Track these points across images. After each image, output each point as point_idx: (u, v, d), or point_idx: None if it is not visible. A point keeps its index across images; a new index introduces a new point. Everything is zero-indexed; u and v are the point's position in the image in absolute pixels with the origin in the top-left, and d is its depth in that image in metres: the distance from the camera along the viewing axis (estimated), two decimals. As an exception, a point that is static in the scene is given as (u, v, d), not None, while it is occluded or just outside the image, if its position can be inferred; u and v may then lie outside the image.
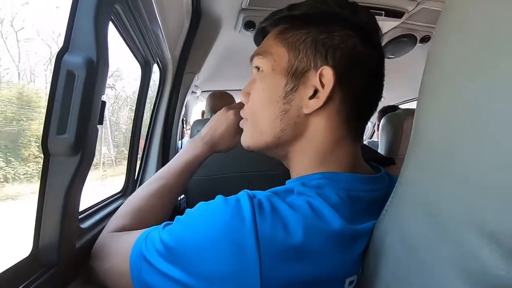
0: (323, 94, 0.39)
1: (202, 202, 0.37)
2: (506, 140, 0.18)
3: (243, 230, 0.32)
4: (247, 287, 0.31)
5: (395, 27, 1.08)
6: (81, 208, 0.45)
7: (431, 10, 1.00)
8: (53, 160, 0.36)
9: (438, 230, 0.24)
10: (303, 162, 0.43)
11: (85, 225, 0.49)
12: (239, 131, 0.58)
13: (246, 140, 0.47)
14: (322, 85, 0.39)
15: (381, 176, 0.43)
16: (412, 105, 1.82)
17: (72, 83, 0.35)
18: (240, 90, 1.73)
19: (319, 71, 0.39)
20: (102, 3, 0.37)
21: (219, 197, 0.37)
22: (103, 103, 0.42)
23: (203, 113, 1.50)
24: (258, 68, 0.45)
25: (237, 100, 1.52)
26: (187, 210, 0.38)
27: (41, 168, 0.36)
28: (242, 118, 0.52)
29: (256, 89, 0.45)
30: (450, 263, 0.23)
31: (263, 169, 1.07)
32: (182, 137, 1.27)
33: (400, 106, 1.82)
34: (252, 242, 0.31)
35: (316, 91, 0.40)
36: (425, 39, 1.16)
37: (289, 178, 0.45)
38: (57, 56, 0.35)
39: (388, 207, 0.32)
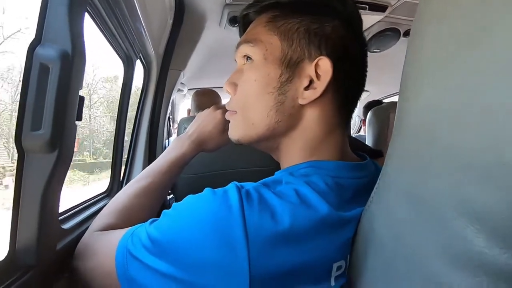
0: (320, 85, 0.39)
1: (190, 195, 0.37)
2: (485, 123, 0.19)
3: (231, 219, 0.32)
4: (236, 276, 0.30)
5: (379, 21, 1.09)
6: (63, 208, 0.43)
7: (413, 4, 1.02)
8: (29, 157, 0.34)
9: (423, 214, 0.24)
10: (293, 153, 0.43)
11: (67, 226, 0.47)
12: (227, 130, 0.58)
13: (236, 133, 0.45)
14: (318, 76, 0.39)
15: (366, 163, 0.44)
16: (396, 99, 1.84)
17: (46, 76, 0.34)
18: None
19: (315, 62, 0.39)
20: (76, -7, 0.36)
21: (207, 189, 0.36)
22: (81, 98, 0.40)
23: (189, 111, 1.48)
24: (246, 57, 0.43)
25: (223, 97, 1.51)
26: (174, 203, 0.37)
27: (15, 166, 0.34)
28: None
29: (246, 80, 0.43)
30: (435, 246, 0.23)
31: (251, 165, 1.06)
32: (169, 136, 1.25)
33: (385, 100, 1.85)
34: (240, 232, 0.31)
35: (311, 82, 0.40)
36: (409, 33, 1.18)
37: (273, 173, 0.45)
38: (28, 48, 0.33)
39: (374, 194, 0.33)
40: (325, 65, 0.38)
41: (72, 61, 0.35)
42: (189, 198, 0.36)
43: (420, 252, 0.24)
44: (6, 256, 0.34)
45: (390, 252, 0.28)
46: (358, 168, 0.42)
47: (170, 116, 1.32)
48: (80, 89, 0.39)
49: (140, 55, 0.83)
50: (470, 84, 0.20)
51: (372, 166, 0.45)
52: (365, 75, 0.45)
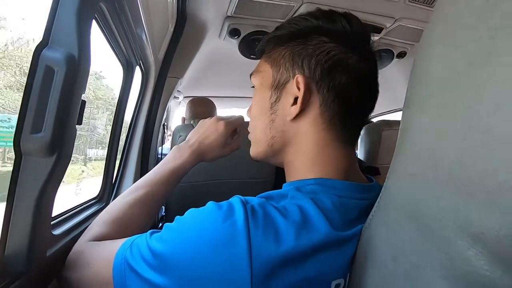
0: (299, 100, 0.41)
1: (193, 208, 0.37)
2: (491, 146, 0.19)
3: (236, 237, 0.32)
4: None
5: (374, 42, 1.13)
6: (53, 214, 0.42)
7: (407, 28, 1.06)
8: (26, 160, 0.33)
9: (424, 233, 0.25)
10: (296, 167, 0.45)
11: (57, 231, 0.46)
12: (228, 143, 0.61)
13: (252, 151, 0.51)
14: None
15: (373, 185, 0.45)
16: (389, 117, 1.89)
17: (50, 79, 0.33)
18: (223, 97, 1.73)
19: (294, 80, 0.42)
20: (87, -1, 0.36)
21: (210, 203, 0.36)
22: (83, 102, 0.40)
23: (183, 119, 1.47)
24: (253, 86, 0.50)
25: (218, 107, 1.52)
26: (177, 217, 0.37)
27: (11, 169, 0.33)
28: (232, 130, 0.60)
29: (252, 104, 0.50)
30: (436, 266, 0.23)
31: (245, 176, 1.06)
32: (163, 143, 1.24)
33: (378, 118, 1.89)
34: (244, 250, 0.31)
35: (296, 99, 0.42)
36: (402, 55, 1.23)
37: (270, 186, 0.47)
38: (35, 50, 0.33)
39: (374, 212, 0.33)
40: (301, 81, 0.41)
41: (78, 65, 0.35)
42: (193, 212, 0.36)
43: (421, 271, 0.25)
44: (-6, 262, 0.33)
45: (390, 270, 0.28)
46: (364, 190, 0.42)
47: (165, 123, 1.31)
48: (83, 93, 0.39)
49: (140, 61, 0.83)
50: (476, 107, 0.20)
51: (378, 189, 0.45)
52: (371, 84, 0.45)
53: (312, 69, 0.41)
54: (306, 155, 0.43)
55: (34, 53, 0.33)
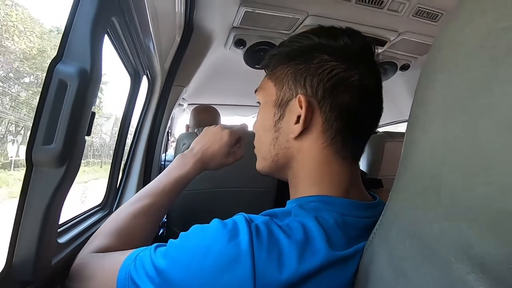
0: (302, 119, 0.42)
1: (197, 225, 0.37)
2: (493, 172, 0.20)
3: (241, 257, 0.32)
4: None
5: (377, 55, 1.14)
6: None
7: (411, 41, 1.07)
8: (36, 171, 0.34)
9: (425, 254, 0.25)
10: (299, 183, 0.45)
11: (62, 240, 0.46)
12: (231, 152, 0.61)
13: (258, 166, 0.52)
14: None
15: (376, 203, 0.44)
16: (392, 128, 1.90)
17: (63, 92, 0.34)
18: (226, 104, 1.74)
19: (297, 99, 0.42)
20: (100, 15, 0.37)
21: (215, 221, 0.36)
22: (93, 114, 0.41)
23: (187, 127, 1.48)
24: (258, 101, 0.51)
25: (222, 115, 1.53)
26: (182, 233, 0.37)
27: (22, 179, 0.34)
28: (236, 139, 0.60)
29: (256, 120, 0.51)
30: (437, 287, 0.23)
31: (246, 185, 1.06)
32: (166, 150, 1.25)
33: (381, 130, 1.90)
34: (248, 271, 0.31)
35: (299, 117, 0.42)
36: (405, 67, 1.24)
37: (271, 195, 0.46)
38: (50, 64, 0.34)
39: (377, 229, 0.33)
40: (303, 100, 0.41)
41: (90, 79, 0.36)
42: (197, 229, 0.37)
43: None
44: (2, 271, 0.33)
45: (391, 287, 0.29)
46: (366, 208, 0.42)
47: (169, 131, 1.32)
48: (93, 106, 0.40)
49: (147, 70, 0.85)
50: (479, 133, 0.21)
51: (381, 206, 0.44)
52: (375, 100, 0.44)
53: (314, 88, 0.42)
54: (308, 172, 0.44)
55: (48, 67, 0.34)
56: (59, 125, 0.34)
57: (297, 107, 0.42)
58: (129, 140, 0.95)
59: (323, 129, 0.42)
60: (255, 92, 0.52)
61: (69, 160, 0.35)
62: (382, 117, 0.47)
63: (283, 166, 0.46)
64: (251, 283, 0.31)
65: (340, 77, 0.41)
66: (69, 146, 0.35)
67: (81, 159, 0.39)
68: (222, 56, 1.17)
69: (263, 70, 0.55)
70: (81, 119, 0.37)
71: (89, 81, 0.36)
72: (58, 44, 0.35)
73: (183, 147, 0.97)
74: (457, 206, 0.22)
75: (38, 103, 0.34)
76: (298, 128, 0.42)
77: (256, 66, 1.19)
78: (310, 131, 0.43)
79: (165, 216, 1.17)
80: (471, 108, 0.22)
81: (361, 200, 0.43)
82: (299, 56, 0.44)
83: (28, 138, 0.34)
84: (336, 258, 0.34)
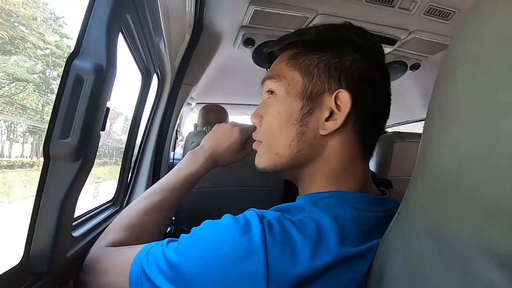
0: (341, 116, 0.40)
1: (209, 220, 0.37)
2: None
3: (253, 253, 0.32)
4: None
5: (388, 54, 1.13)
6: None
7: (421, 40, 1.06)
8: (53, 164, 0.35)
9: (444, 253, 0.25)
10: (315, 181, 0.44)
11: (76, 233, 0.47)
12: (242, 149, 0.60)
13: (262, 162, 0.47)
14: (338, 107, 0.41)
15: (387, 198, 0.44)
16: (401, 128, 1.88)
17: (80, 87, 0.35)
18: (234, 104, 1.74)
19: (334, 94, 0.40)
20: (115, 12, 0.38)
21: (227, 216, 0.36)
22: (107, 109, 0.41)
23: (195, 126, 1.49)
24: (270, 91, 0.46)
25: (229, 114, 1.53)
26: (193, 228, 0.38)
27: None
28: (247, 137, 0.55)
29: (270, 113, 0.45)
30: (456, 286, 0.23)
31: (252, 184, 1.06)
32: (174, 148, 1.26)
33: (390, 130, 1.88)
34: (261, 266, 0.31)
35: (331, 113, 0.41)
36: (415, 67, 1.22)
37: (278, 194, 0.46)
38: (67, 60, 0.35)
39: (392, 227, 0.33)
40: (344, 97, 0.40)
41: (105, 74, 0.37)
42: (209, 224, 0.37)
43: (440, 289, 0.25)
44: (19, 262, 0.34)
45: (407, 286, 0.28)
46: (379, 202, 0.42)
47: (178, 129, 1.33)
48: (108, 101, 0.40)
49: (158, 69, 0.86)
50: (501, 128, 0.20)
51: (392, 201, 0.44)
52: (389, 105, 0.46)
53: (350, 85, 0.41)
54: (330, 169, 0.43)
55: (66, 62, 0.34)
56: (76, 120, 0.35)
57: (331, 102, 0.41)
58: (138, 138, 0.97)
59: (354, 127, 0.42)
60: (263, 81, 0.47)
61: (85, 154, 0.36)
62: (391, 117, 0.48)
63: (301, 164, 0.44)
64: (264, 277, 0.31)
65: (370, 78, 0.42)
66: (85, 140, 0.36)
67: (96, 153, 0.40)
68: (231, 55, 1.17)
69: (267, 64, 0.53)
70: (97, 114, 0.37)
71: (105, 76, 0.37)
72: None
73: (192, 145, 0.98)
74: (477, 204, 0.22)
75: (56, 97, 0.34)
76: (333, 125, 0.41)
77: (265, 65, 1.19)
78: (341, 129, 0.41)
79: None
80: (494, 103, 0.21)
81: (374, 194, 0.43)
82: (329, 48, 0.42)
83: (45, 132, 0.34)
84: (348, 255, 0.34)
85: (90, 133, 0.36)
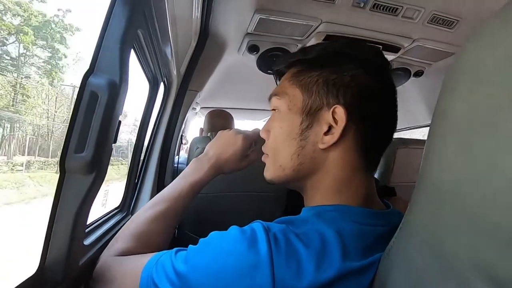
0: (337, 131, 0.41)
1: (216, 232, 0.38)
2: None
3: (260, 265, 0.33)
4: None
5: (391, 61, 1.14)
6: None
7: (425, 48, 1.07)
8: (69, 177, 0.36)
9: (444, 270, 0.25)
10: (318, 193, 0.45)
11: (87, 242, 0.49)
12: (246, 156, 0.61)
13: (269, 174, 0.50)
14: (336, 122, 0.42)
15: (391, 212, 0.45)
16: (403, 134, 1.88)
17: (94, 103, 0.36)
18: (238, 108, 1.75)
19: (331, 109, 0.42)
20: (128, 30, 0.39)
21: (233, 228, 0.38)
22: (119, 122, 0.43)
23: (201, 130, 1.51)
24: (274, 108, 0.49)
25: (235, 117, 1.55)
26: (201, 239, 0.39)
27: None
28: (251, 144, 0.58)
29: (275, 127, 0.48)
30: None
31: (255, 189, 1.07)
32: (178, 152, 1.27)
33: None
34: (268, 279, 0.32)
35: (330, 127, 0.42)
36: (419, 74, 1.23)
37: (282, 200, 0.46)
38: (83, 77, 0.36)
39: (394, 241, 0.34)
40: (340, 112, 0.41)
41: (119, 90, 0.38)
42: (216, 235, 0.38)
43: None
44: (35, 272, 0.36)
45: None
46: (382, 216, 0.43)
47: (183, 134, 1.35)
48: (120, 115, 0.41)
49: (165, 76, 0.87)
50: (499, 153, 0.21)
51: (395, 215, 0.45)
52: (395, 115, 0.46)
53: (348, 100, 0.42)
54: (331, 182, 0.44)
55: (82, 80, 0.36)
56: (90, 134, 0.36)
57: (329, 117, 0.42)
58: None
59: (354, 141, 0.43)
60: (270, 98, 0.50)
61: (98, 167, 0.37)
62: None
63: (303, 176, 0.46)
64: None
65: (372, 91, 0.43)
66: (98, 154, 0.37)
67: (108, 166, 0.41)
68: (235, 61, 1.19)
69: (274, 76, 0.54)
70: (110, 128, 0.39)
71: (118, 91, 0.38)
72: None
73: (197, 151, 0.99)
74: (475, 224, 0.22)
75: (72, 114, 0.36)
76: (330, 139, 0.42)
77: (269, 71, 1.20)
78: (340, 143, 0.42)
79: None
80: (491, 127, 0.22)
81: (377, 208, 0.44)
82: (330, 65, 0.44)
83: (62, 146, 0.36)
84: (352, 269, 0.35)
85: (103, 147, 0.38)
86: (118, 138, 0.43)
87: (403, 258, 0.31)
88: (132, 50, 0.61)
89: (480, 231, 0.22)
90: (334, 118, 0.42)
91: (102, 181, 0.40)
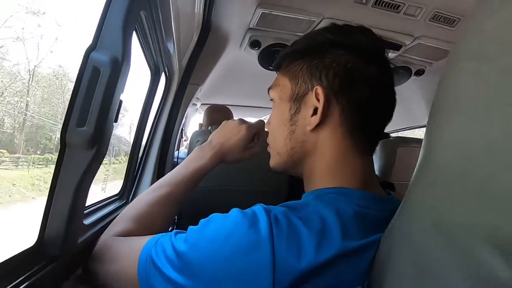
0: (320, 110, 0.43)
1: (217, 213, 0.39)
2: None
3: (261, 244, 0.33)
4: None
5: (393, 59, 1.15)
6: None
7: (426, 46, 1.07)
8: (69, 152, 0.36)
9: (448, 243, 0.25)
10: (315, 176, 0.46)
11: (87, 221, 0.49)
12: (249, 148, 0.63)
13: (272, 162, 0.52)
14: (319, 102, 0.43)
15: (391, 198, 0.45)
16: (405, 133, 1.88)
17: (96, 78, 0.36)
18: (239, 105, 1.76)
19: (313, 91, 0.43)
20: (131, 7, 0.39)
21: (235, 210, 0.38)
22: (120, 101, 0.43)
23: (200, 125, 1.51)
24: (271, 99, 0.52)
25: (235, 115, 1.55)
26: (201, 220, 0.39)
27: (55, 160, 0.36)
28: (254, 134, 0.61)
29: (271, 117, 0.52)
30: (461, 275, 0.24)
31: (259, 184, 1.07)
32: (178, 147, 1.28)
33: (394, 135, 1.89)
34: (268, 258, 0.32)
35: (316, 109, 0.43)
36: (420, 72, 1.23)
37: (283, 195, 0.47)
38: (85, 52, 0.36)
39: (394, 221, 0.34)
40: (321, 92, 0.42)
41: (121, 67, 0.38)
42: (218, 216, 0.38)
43: (443, 278, 0.25)
44: (34, 245, 0.35)
45: (411, 279, 0.29)
46: (382, 201, 0.43)
47: (183, 128, 1.35)
48: (122, 93, 0.42)
49: (166, 67, 0.87)
50: (509, 121, 0.21)
51: (396, 202, 0.43)
52: (390, 96, 0.46)
53: (330, 81, 0.43)
54: (326, 164, 0.44)
55: (84, 55, 0.36)
56: (91, 109, 0.36)
57: (313, 100, 0.43)
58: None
59: (341, 121, 0.43)
60: (268, 90, 0.53)
61: (99, 143, 0.37)
62: (394, 123, 0.48)
63: (299, 160, 0.47)
64: (270, 269, 0.32)
65: (356, 70, 0.43)
66: (99, 129, 0.37)
67: (109, 143, 0.41)
68: (237, 57, 1.19)
69: (276, 72, 0.55)
70: (111, 105, 0.39)
71: (120, 69, 0.38)
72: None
73: (197, 144, 0.99)
74: (485, 193, 0.22)
75: (73, 88, 0.36)
76: (315, 119, 0.43)
77: (270, 67, 1.21)
78: (327, 123, 0.43)
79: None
80: (502, 96, 0.22)
81: (378, 193, 0.43)
82: (314, 52, 0.45)
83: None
84: (351, 249, 0.35)
85: (104, 123, 0.38)
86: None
87: (404, 236, 0.31)
88: (135, 35, 0.62)
89: (491, 198, 0.22)
90: (318, 99, 0.43)
91: (103, 157, 0.40)
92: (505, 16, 0.23)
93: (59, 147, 0.36)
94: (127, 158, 0.84)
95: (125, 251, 0.42)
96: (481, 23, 0.25)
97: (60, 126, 0.35)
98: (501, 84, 0.22)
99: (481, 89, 0.24)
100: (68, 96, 0.36)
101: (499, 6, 0.23)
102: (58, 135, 0.34)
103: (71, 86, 0.36)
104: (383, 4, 0.89)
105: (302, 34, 1.05)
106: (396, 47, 1.07)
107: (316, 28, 1.01)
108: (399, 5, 0.89)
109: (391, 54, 1.11)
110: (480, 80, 0.24)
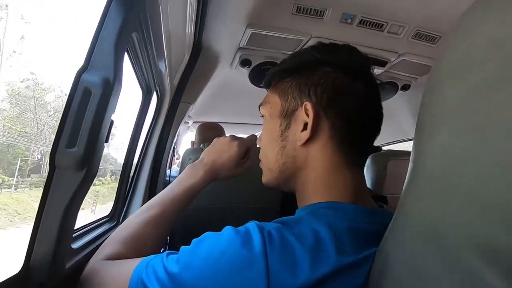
0: (309, 125, 0.43)
1: (210, 232, 0.38)
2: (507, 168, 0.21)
3: (254, 263, 0.32)
4: None
5: (379, 75, 1.18)
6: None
7: (411, 62, 1.11)
8: (58, 173, 0.36)
9: (440, 251, 0.25)
10: (307, 191, 0.46)
11: (76, 245, 0.47)
12: (240, 163, 0.62)
13: (264, 178, 0.53)
14: (309, 118, 0.44)
15: (384, 211, 0.45)
16: (393, 147, 1.91)
17: (87, 99, 0.36)
18: (231, 123, 1.77)
19: (303, 107, 0.44)
20: (123, 29, 0.40)
21: (228, 228, 0.37)
22: (111, 121, 0.42)
23: (192, 143, 1.51)
24: (262, 116, 0.53)
25: (227, 132, 1.55)
26: (194, 240, 0.38)
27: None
28: (246, 150, 0.61)
29: (262, 133, 0.53)
30: (454, 283, 0.24)
31: (252, 202, 1.06)
32: (170, 166, 1.26)
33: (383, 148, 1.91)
34: (262, 275, 0.32)
35: (306, 125, 0.44)
36: (406, 87, 1.27)
37: (275, 212, 0.46)
38: (76, 73, 0.36)
39: (388, 233, 0.34)
40: (310, 108, 0.43)
41: (112, 88, 0.38)
42: (210, 235, 0.37)
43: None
44: (20, 271, 0.34)
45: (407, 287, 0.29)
46: (376, 214, 0.43)
47: (175, 147, 1.34)
48: (113, 114, 0.42)
49: (157, 87, 0.88)
50: (492, 130, 0.21)
51: (389, 214, 0.43)
52: (377, 110, 0.47)
53: (318, 97, 0.44)
54: (317, 178, 0.45)
55: (75, 76, 0.36)
56: (82, 130, 0.36)
57: (303, 115, 0.44)
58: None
59: (330, 135, 0.44)
60: (259, 107, 0.54)
61: (89, 164, 0.37)
62: (384, 137, 0.49)
63: (291, 175, 0.47)
64: (265, 286, 0.31)
65: (343, 86, 0.44)
66: (89, 150, 0.37)
67: (99, 164, 0.41)
68: (228, 75, 1.21)
69: (266, 89, 0.57)
70: (102, 126, 0.38)
71: (111, 89, 0.38)
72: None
73: (189, 162, 0.98)
74: (473, 201, 0.23)
75: (64, 108, 0.36)
76: (305, 134, 0.44)
77: (261, 85, 1.23)
78: (317, 138, 0.44)
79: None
80: (485, 101, 0.22)
81: (370, 207, 0.44)
82: (302, 69, 0.47)
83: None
84: (345, 264, 0.34)
85: (95, 144, 0.37)
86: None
87: (399, 249, 0.31)
88: (127, 55, 0.63)
89: (479, 207, 0.22)
90: (307, 115, 0.44)
91: (93, 179, 0.40)
92: (478, 37, 0.24)
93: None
94: (113, 178, 0.83)
95: (115, 274, 0.41)
96: (458, 42, 0.26)
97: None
98: (476, 99, 0.23)
99: (463, 102, 0.25)
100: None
101: (474, 27, 0.25)
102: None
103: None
104: (368, 24, 0.92)
105: (291, 52, 1.08)
106: (382, 63, 1.11)
107: (304, 47, 1.04)
108: (382, 24, 0.93)
109: (377, 70, 1.15)
110: (459, 94, 0.25)
